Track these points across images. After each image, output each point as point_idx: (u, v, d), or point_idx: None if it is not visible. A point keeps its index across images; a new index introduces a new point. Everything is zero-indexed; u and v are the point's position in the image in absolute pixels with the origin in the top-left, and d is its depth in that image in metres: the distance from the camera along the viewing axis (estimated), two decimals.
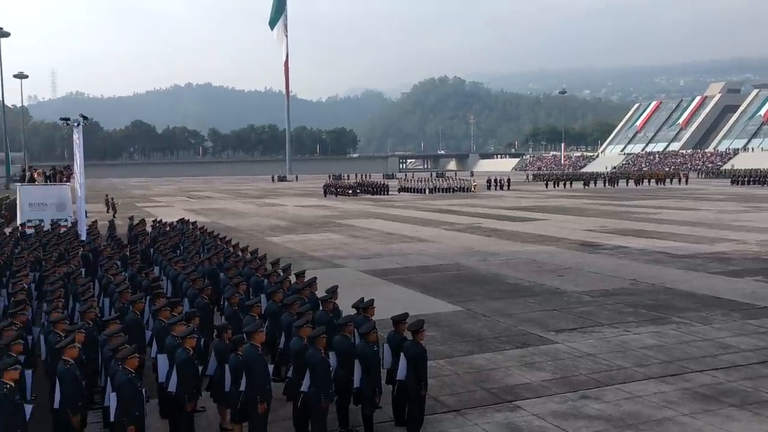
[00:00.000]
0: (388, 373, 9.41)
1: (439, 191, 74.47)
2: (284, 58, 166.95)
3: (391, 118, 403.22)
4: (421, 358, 8.86)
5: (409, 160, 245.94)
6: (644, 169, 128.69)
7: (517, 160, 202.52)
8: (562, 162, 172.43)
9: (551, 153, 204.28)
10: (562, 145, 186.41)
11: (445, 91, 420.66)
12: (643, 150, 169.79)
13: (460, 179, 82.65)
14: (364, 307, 10.15)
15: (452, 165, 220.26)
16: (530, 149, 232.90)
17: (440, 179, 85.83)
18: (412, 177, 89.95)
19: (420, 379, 8.78)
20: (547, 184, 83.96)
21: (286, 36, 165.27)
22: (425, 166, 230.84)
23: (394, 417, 9.39)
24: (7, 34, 75.73)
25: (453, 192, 73.81)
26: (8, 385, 7.20)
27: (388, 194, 70.76)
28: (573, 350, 12.74)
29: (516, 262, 23.36)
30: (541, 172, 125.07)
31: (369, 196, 70.21)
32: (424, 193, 73.53)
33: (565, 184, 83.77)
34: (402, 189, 77.76)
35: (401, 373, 8.84)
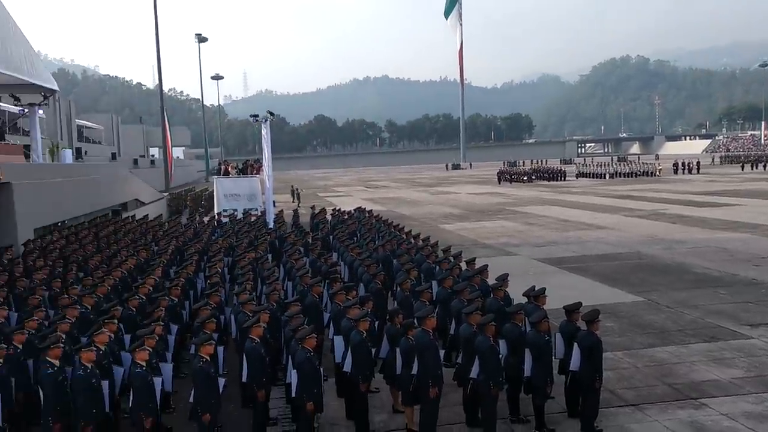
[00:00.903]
0: (561, 363, 9.17)
1: (620, 176, 70.92)
2: (458, 47, 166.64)
3: (569, 102, 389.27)
4: (596, 349, 8.56)
5: (588, 145, 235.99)
6: None
7: (709, 141, 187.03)
8: (762, 142, 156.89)
9: (749, 133, 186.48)
10: (762, 123, 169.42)
11: (626, 71, 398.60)
12: None
13: (643, 163, 78.07)
14: (536, 296, 9.96)
15: (635, 148, 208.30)
16: (723, 129, 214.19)
17: (622, 163, 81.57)
18: (591, 162, 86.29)
19: (595, 371, 8.49)
20: (743, 167, 76.91)
21: (461, 24, 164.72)
22: (605, 150, 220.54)
23: (566, 408, 9.15)
24: (205, 40, 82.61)
25: (635, 177, 69.92)
26: (204, 359, 7.92)
27: (565, 180, 68.61)
28: None
29: (704, 251, 21.70)
30: (729, 154, 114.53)
31: (545, 182, 68.48)
32: (604, 178, 70.37)
33: (765, 166, 76.27)
34: (580, 174, 75.03)
35: (575, 363, 8.60)
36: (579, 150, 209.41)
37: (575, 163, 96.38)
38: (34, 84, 23.99)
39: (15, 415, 8.34)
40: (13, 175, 18.88)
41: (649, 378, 10.44)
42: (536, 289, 10.16)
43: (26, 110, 25.95)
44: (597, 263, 20.56)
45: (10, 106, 29.67)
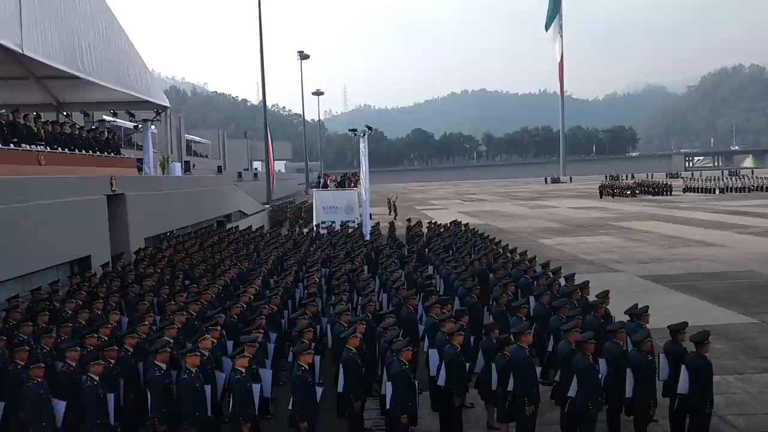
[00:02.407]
0: (665, 385, 8.77)
1: (731, 191, 67.41)
2: (558, 58, 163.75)
3: (676, 114, 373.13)
4: (706, 373, 8.14)
5: (696, 158, 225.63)
6: None
7: None
8: None
9: None
10: None
11: (739, 81, 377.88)
12: None
13: (757, 177, 73.77)
14: (638, 314, 9.60)
15: (748, 162, 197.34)
16: None
17: (733, 178, 77.41)
18: (700, 176, 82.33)
19: (704, 395, 8.07)
20: None
21: (561, 36, 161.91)
22: (715, 164, 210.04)
23: None
24: (307, 57, 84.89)
25: (749, 191, 66.26)
26: (303, 368, 8.09)
27: (671, 195, 65.82)
28: None
29: None
30: None
31: (649, 197, 65.93)
32: (714, 193, 67.04)
33: None
34: (687, 189, 71.80)
35: (683, 386, 8.21)
36: (686, 164, 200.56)
37: (682, 177, 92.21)
38: (147, 101, 25.38)
39: (126, 416, 8.78)
40: (126, 186, 19.99)
41: (764, 405, 9.81)
42: (639, 307, 9.79)
43: (140, 126, 27.46)
44: (705, 282, 19.57)
45: (125, 121, 31.49)
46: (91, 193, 17.60)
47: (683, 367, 8.23)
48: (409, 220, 29.26)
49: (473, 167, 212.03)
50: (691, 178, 78.95)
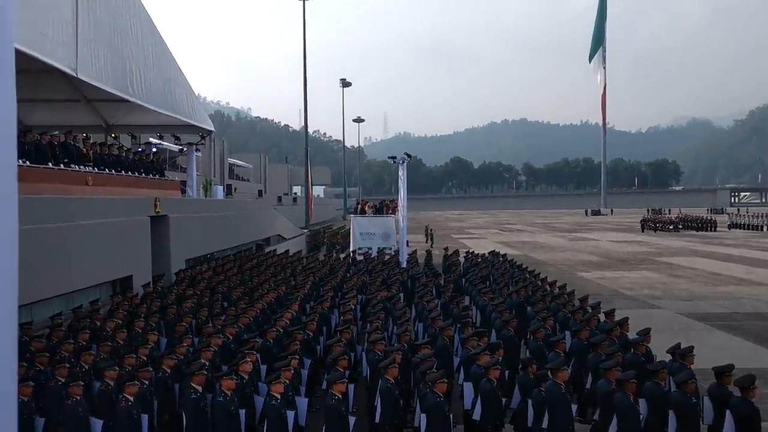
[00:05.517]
0: (709, 429, 8.49)
1: None
2: (601, 90, 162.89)
3: (721, 148, 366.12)
4: (752, 419, 7.84)
5: (742, 194, 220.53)
6: None
7: None
8: None
9: None
10: None
11: None
12: None
13: None
14: (682, 354, 9.37)
15: None
16: None
17: None
18: (746, 212, 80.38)
19: None
20: None
21: (604, 67, 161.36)
22: (763, 200, 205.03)
23: None
24: (349, 84, 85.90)
25: None
26: (336, 397, 8.05)
27: (715, 230, 64.37)
28: None
29: None
30: None
31: (693, 232, 64.60)
32: (761, 230, 65.31)
33: None
34: (733, 225, 70.24)
35: None
36: (732, 199, 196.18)
37: (727, 213, 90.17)
38: (193, 125, 25.87)
39: None
40: (169, 208, 20.33)
41: None
42: (683, 346, 9.54)
43: (185, 149, 27.95)
44: (752, 322, 18.99)
45: (171, 144, 32.12)
46: (136, 214, 17.94)
47: (728, 412, 7.96)
48: (446, 248, 29.11)
49: (512, 197, 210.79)
50: (737, 214, 77.16)
